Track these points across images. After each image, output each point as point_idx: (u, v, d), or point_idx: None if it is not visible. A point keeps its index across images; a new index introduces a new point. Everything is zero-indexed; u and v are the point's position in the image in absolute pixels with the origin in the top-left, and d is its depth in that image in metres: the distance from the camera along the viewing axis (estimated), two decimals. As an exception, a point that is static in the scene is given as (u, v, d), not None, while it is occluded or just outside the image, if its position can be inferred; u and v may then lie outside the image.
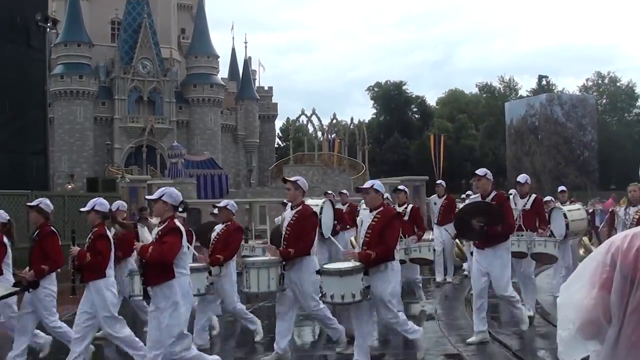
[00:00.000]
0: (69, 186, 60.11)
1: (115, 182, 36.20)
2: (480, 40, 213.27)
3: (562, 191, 19.28)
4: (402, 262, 12.17)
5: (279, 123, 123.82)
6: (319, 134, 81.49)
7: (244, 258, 14.28)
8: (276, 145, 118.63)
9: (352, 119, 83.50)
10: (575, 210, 16.38)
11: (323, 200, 14.14)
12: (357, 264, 9.19)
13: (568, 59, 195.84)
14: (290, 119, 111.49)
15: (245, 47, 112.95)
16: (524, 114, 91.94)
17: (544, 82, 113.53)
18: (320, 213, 12.79)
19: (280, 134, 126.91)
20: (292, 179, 10.54)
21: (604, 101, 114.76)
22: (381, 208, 9.95)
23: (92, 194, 28.87)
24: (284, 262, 10.35)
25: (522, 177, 15.09)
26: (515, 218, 13.28)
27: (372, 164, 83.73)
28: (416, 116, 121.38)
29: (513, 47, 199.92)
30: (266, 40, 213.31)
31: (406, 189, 17.23)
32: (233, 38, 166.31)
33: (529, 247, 13.66)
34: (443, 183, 19.75)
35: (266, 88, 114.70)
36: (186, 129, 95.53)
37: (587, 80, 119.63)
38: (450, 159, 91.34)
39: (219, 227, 11.97)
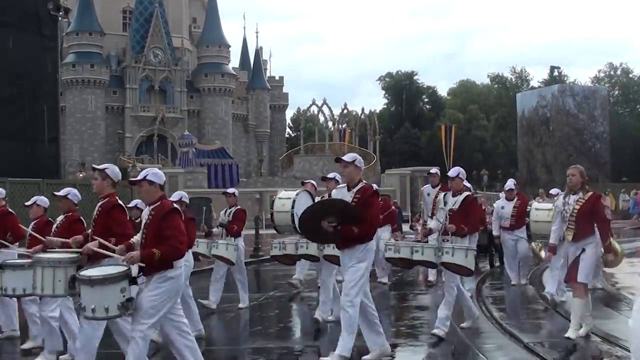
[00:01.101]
0: (80, 175, 60.09)
1: (127, 171, 36.23)
2: (493, 31, 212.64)
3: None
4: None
5: (289, 113, 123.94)
6: (330, 124, 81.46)
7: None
8: (287, 135, 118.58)
9: (363, 109, 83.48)
10: (543, 211, 15.71)
11: (297, 191, 12.65)
12: (120, 270, 7.64)
13: (580, 50, 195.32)
14: (301, 108, 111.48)
15: (257, 36, 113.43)
16: (535, 105, 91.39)
17: (555, 73, 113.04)
18: (293, 207, 12.11)
19: (290, 124, 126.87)
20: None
21: (616, 92, 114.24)
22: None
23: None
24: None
25: (452, 171, 12.94)
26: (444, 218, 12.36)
27: (383, 154, 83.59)
28: (427, 107, 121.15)
29: (525, 38, 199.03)
30: (278, 30, 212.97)
31: (438, 172, 17.33)
32: (244, 28, 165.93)
33: (437, 255, 11.34)
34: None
35: (277, 78, 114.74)
36: (197, 119, 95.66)
37: (599, 71, 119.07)
38: (461, 149, 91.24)
39: (59, 218, 10.61)
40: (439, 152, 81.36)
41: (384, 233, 17.73)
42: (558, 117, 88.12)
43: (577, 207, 11.55)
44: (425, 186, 17.38)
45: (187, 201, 11.97)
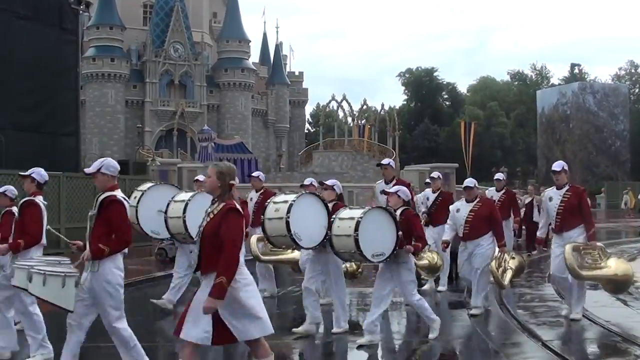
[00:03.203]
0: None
1: (146, 165, 36.30)
2: (513, 28, 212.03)
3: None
4: None
5: (309, 108, 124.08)
6: (349, 119, 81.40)
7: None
8: (306, 131, 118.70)
9: (382, 105, 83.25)
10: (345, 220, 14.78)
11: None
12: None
13: (601, 48, 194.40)
14: (321, 104, 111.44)
15: (277, 32, 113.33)
16: (555, 102, 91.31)
17: (576, 71, 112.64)
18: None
19: (310, 120, 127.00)
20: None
21: (637, 90, 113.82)
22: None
23: (123, 176, 29.03)
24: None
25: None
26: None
27: (402, 150, 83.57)
28: (447, 103, 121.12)
29: (546, 35, 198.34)
30: (298, 25, 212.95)
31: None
32: (265, 22, 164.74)
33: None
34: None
35: (297, 73, 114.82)
36: (217, 113, 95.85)
37: (619, 69, 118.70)
38: (481, 146, 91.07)
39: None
40: (458, 148, 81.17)
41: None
42: (578, 115, 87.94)
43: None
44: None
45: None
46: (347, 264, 12.47)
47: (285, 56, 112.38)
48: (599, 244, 12.20)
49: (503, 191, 18.50)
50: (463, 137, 79.42)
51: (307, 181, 12.76)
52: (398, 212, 10.36)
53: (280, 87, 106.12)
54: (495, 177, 19.08)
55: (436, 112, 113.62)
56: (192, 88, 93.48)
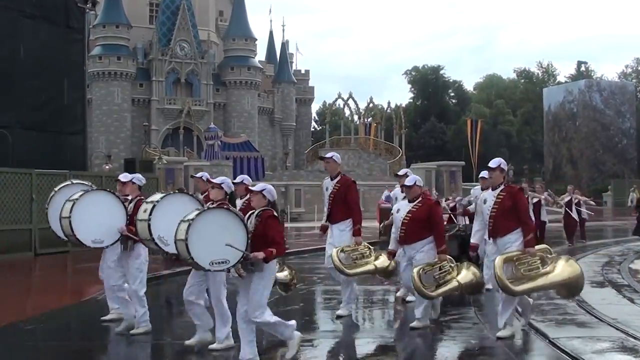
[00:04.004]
0: (107, 167, 60.44)
1: (152, 164, 36.38)
2: (520, 26, 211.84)
3: (482, 177, 15.33)
4: None
5: (315, 106, 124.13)
6: (356, 117, 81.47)
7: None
8: (312, 129, 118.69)
9: (389, 102, 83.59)
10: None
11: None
12: None
13: (608, 46, 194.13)
14: (327, 102, 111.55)
15: (283, 30, 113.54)
16: (562, 100, 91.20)
17: (582, 69, 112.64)
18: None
19: (316, 118, 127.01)
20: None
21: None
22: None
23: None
24: None
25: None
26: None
27: (409, 148, 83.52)
28: (453, 101, 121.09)
29: (552, 32, 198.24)
30: (304, 24, 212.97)
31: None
32: (271, 21, 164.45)
33: None
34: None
35: (303, 71, 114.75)
36: (223, 111, 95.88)
37: (626, 66, 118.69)
38: (487, 144, 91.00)
39: None
40: (465, 146, 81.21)
41: None
42: (584, 113, 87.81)
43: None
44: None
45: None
46: (282, 274, 11.86)
47: (291, 54, 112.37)
48: (541, 247, 10.96)
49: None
50: (469, 135, 79.40)
51: (238, 179, 11.33)
52: (255, 213, 8.99)
53: (287, 85, 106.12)
54: (480, 175, 15.58)
55: (442, 110, 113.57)
56: (199, 86, 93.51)
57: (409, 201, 11.74)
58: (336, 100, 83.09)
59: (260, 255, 8.52)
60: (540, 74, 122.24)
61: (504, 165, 11.15)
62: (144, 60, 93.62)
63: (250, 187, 9.51)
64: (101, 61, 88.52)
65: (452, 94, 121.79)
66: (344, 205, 12.42)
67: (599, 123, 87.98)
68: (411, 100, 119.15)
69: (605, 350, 10.09)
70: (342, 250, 12.21)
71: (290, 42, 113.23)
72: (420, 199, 11.66)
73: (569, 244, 27.15)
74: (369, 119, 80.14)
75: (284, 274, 12.07)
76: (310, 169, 68.71)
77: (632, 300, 14.31)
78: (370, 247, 12.76)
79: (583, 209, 28.69)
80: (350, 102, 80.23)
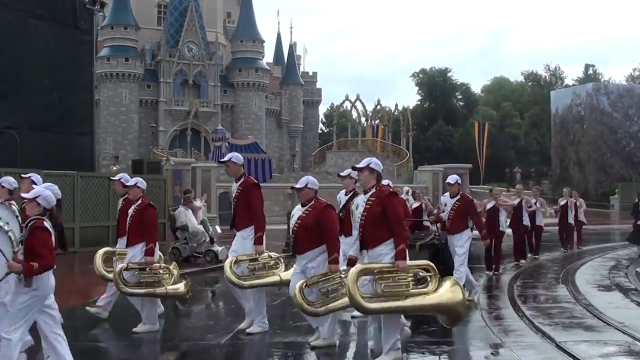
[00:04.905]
0: (114, 168, 60.43)
1: (160, 165, 36.40)
2: (527, 28, 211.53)
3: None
4: None
5: (322, 108, 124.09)
6: (363, 119, 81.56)
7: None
8: (319, 131, 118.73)
9: (396, 105, 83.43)
10: None
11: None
12: None
13: (615, 48, 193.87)
14: (335, 104, 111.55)
15: (291, 32, 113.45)
16: (569, 103, 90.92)
17: (590, 71, 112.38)
18: None
19: (323, 120, 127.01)
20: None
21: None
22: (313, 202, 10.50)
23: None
24: None
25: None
26: None
27: (416, 150, 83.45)
28: (461, 103, 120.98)
29: (560, 35, 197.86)
30: (312, 26, 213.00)
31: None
32: (278, 23, 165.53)
33: None
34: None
35: (310, 73, 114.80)
36: (231, 113, 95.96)
37: (634, 70, 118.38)
38: (494, 147, 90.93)
39: None
40: (472, 149, 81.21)
41: None
42: (592, 116, 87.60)
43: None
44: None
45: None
46: (176, 286, 11.78)
47: (299, 56, 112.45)
48: (421, 263, 9.47)
49: (458, 197, 15.15)
50: (477, 137, 79.47)
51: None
52: (26, 223, 8.08)
53: (294, 87, 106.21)
54: (447, 180, 15.54)
55: (450, 112, 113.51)
56: (206, 88, 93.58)
57: (302, 205, 10.71)
58: (344, 102, 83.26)
59: (16, 266, 7.71)
60: (547, 77, 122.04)
61: (375, 165, 9.55)
62: (151, 62, 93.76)
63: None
64: (109, 62, 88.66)
65: (460, 97, 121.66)
66: (248, 210, 11.54)
67: (606, 126, 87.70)
68: (419, 103, 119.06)
69: (612, 354, 10.10)
70: (236, 261, 11.32)
71: (298, 43, 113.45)
72: (312, 202, 10.56)
73: (563, 250, 26.69)
74: (377, 121, 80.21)
75: (179, 287, 11.79)
76: (317, 170, 68.71)
77: (639, 304, 14.32)
78: (278, 256, 11.69)
79: (580, 213, 28.28)
80: (358, 104, 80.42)
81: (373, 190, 9.42)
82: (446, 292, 9.00)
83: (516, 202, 22.48)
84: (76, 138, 28.05)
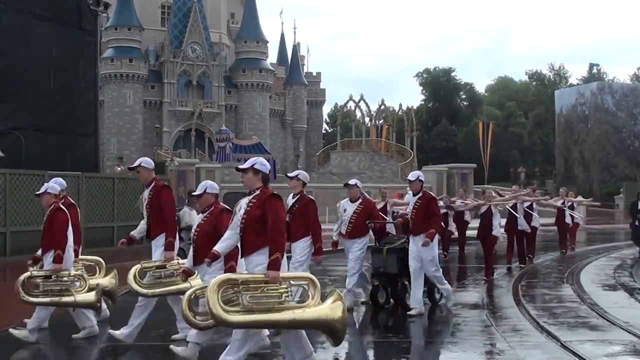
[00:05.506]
0: (118, 168, 60.62)
1: (164, 166, 36.48)
2: (531, 28, 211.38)
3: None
4: None
5: (326, 109, 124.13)
6: (367, 119, 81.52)
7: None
8: (323, 131, 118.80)
9: (400, 105, 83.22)
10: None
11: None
12: None
13: (620, 48, 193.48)
14: (338, 104, 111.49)
15: (294, 32, 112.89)
16: (574, 102, 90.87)
17: (594, 71, 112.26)
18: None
19: (327, 120, 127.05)
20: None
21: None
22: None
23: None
24: None
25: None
26: None
27: (420, 150, 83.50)
28: (465, 103, 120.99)
29: (564, 35, 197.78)
30: (316, 26, 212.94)
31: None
32: (282, 23, 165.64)
33: None
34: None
35: (314, 73, 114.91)
36: (235, 114, 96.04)
37: (638, 69, 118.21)
38: (498, 146, 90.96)
39: None
40: (476, 149, 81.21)
41: None
42: (596, 115, 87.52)
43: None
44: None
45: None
46: (104, 280, 11.83)
47: (302, 57, 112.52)
48: (304, 276, 8.85)
49: (419, 195, 13.86)
50: (481, 137, 79.49)
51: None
52: None
53: (298, 87, 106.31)
54: (408, 177, 14.32)
55: (454, 112, 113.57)
56: (210, 88, 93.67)
57: (202, 212, 10.31)
58: (347, 102, 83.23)
59: None
60: (552, 76, 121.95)
61: (260, 166, 8.81)
62: (155, 63, 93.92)
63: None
64: (113, 63, 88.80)
65: (464, 96, 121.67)
66: (160, 216, 11.01)
67: (610, 125, 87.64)
68: (422, 103, 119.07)
69: (617, 354, 10.09)
70: (142, 269, 10.88)
71: (302, 44, 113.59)
72: (211, 208, 10.07)
73: (562, 251, 25.64)
74: (381, 121, 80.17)
75: (88, 296, 11.26)
76: (321, 171, 68.74)
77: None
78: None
79: (575, 213, 26.89)
80: (362, 104, 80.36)
81: (257, 192, 8.68)
82: (325, 308, 8.10)
83: (559, 203, 22.64)
84: (80, 139, 28.03)
